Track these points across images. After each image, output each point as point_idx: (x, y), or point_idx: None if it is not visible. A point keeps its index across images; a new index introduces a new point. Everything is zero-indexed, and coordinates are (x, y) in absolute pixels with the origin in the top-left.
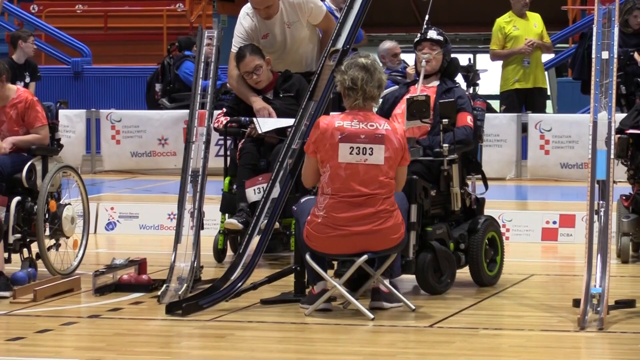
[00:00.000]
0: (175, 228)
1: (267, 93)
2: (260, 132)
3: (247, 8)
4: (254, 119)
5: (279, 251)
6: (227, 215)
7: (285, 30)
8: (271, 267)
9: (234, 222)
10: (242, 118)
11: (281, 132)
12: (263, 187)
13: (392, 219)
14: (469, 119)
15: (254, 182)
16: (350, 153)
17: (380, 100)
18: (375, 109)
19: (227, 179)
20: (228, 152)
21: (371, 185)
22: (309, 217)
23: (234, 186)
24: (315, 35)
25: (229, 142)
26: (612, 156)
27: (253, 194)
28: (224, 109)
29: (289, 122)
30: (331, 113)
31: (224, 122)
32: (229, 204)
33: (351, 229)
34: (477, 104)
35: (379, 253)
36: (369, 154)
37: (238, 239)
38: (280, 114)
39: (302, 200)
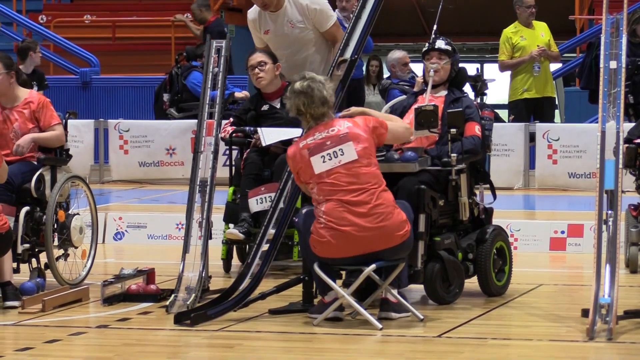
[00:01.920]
0: (183, 238)
1: (273, 101)
2: (264, 144)
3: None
4: (258, 129)
5: (280, 259)
6: (231, 225)
7: (288, 28)
8: (277, 277)
9: (234, 232)
10: (247, 128)
11: (287, 141)
12: (266, 198)
13: (394, 216)
14: (477, 129)
15: (257, 192)
16: (324, 162)
17: (388, 108)
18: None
19: (231, 189)
20: (233, 162)
21: (358, 178)
22: (312, 227)
23: (238, 196)
24: (323, 47)
25: (235, 152)
26: (620, 166)
27: (256, 204)
28: (231, 119)
29: (292, 133)
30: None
31: (230, 131)
32: (232, 214)
33: (354, 227)
34: (485, 114)
35: (385, 253)
36: (341, 154)
37: (246, 249)
38: (285, 123)
39: (303, 210)
